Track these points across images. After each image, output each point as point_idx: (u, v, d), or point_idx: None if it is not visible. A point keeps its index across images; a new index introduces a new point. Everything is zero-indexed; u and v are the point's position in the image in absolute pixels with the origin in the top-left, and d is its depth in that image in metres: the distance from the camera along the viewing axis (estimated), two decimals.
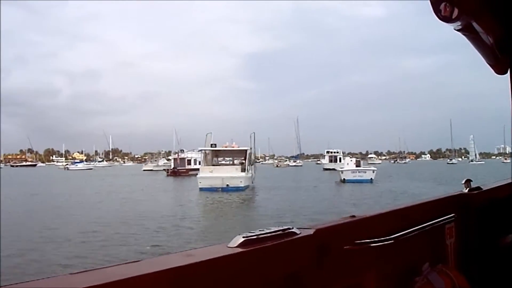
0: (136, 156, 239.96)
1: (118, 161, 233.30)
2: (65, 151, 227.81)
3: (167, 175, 75.14)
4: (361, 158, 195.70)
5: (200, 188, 41.21)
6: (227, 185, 40.55)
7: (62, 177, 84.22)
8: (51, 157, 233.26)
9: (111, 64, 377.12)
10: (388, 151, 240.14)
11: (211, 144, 46.43)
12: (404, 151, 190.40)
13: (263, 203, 34.12)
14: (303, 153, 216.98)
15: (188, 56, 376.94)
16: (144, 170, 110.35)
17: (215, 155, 47.88)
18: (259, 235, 1.90)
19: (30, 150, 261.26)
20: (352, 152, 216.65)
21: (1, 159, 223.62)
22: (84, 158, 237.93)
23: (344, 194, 37.19)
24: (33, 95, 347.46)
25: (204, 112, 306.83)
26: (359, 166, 51.94)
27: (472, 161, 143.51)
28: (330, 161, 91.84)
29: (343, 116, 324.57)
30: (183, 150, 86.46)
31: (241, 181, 41.30)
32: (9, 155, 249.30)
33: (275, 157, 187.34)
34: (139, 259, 1.63)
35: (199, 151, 47.81)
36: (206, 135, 47.41)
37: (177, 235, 19.77)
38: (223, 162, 50.19)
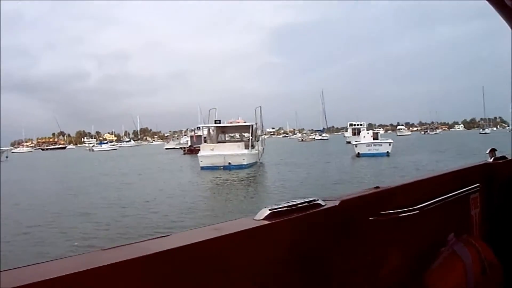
0: (166, 135, 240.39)
1: (148, 140, 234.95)
2: (96, 133, 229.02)
3: (184, 153, 73.54)
4: (391, 129, 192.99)
5: (201, 167, 39.07)
6: (229, 163, 38.19)
7: (78, 159, 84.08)
8: (82, 139, 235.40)
9: (139, 46, 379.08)
10: (420, 122, 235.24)
11: (215, 120, 44.02)
12: (435, 122, 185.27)
13: (265, 181, 31.74)
14: (332, 126, 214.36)
15: (215, 34, 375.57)
16: (166, 148, 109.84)
17: (221, 132, 45.46)
18: (284, 207, 1.90)
19: (62, 133, 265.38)
20: (382, 124, 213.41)
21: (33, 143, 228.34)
22: (115, 138, 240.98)
23: (353, 170, 34.10)
24: (64, 79, 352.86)
25: (232, 89, 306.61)
26: (377, 139, 48.75)
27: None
28: (353, 134, 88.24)
29: (374, 88, 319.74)
30: (199, 128, 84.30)
31: (243, 159, 38.79)
32: (42, 138, 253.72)
33: (305, 131, 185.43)
34: (168, 233, 1.65)
35: (197, 128, 45.26)
36: (209, 111, 45.12)
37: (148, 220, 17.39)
38: (233, 139, 47.59)
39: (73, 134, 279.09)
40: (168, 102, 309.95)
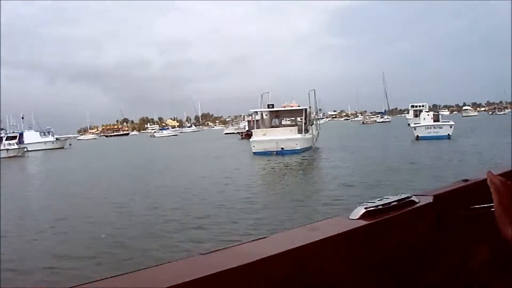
0: (227, 120, 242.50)
1: (209, 125, 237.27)
2: (158, 119, 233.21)
3: (241, 138, 73.15)
4: (456, 110, 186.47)
5: (254, 152, 38.39)
6: (282, 148, 37.32)
7: (136, 145, 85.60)
8: (146, 125, 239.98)
9: (200, 32, 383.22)
10: (488, 101, 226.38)
11: (268, 105, 43.14)
12: (504, 102, 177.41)
13: (319, 167, 30.71)
14: (396, 108, 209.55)
15: (275, 17, 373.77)
16: (225, 133, 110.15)
17: (275, 116, 44.48)
18: (378, 206, 1.85)
19: (126, 120, 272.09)
20: (448, 105, 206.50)
21: (96, 130, 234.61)
22: (177, 124, 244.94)
23: (409, 154, 32.08)
24: (128, 67, 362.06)
25: (292, 72, 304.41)
26: (438, 120, 46.45)
27: None
28: (415, 116, 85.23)
29: (439, 68, 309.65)
30: (257, 112, 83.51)
31: (296, 144, 37.78)
32: (107, 125, 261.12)
33: (367, 114, 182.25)
34: (265, 236, 1.63)
35: (255, 113, 44.39)
36: (262, 95, 44.33)
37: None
38: (287, 123, 46.39)
39: (136, 121, 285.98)
40: (229, 87, 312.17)
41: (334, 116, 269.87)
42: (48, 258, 11.42)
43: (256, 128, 42.80)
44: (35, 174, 41.50)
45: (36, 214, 18.51)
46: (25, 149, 72.46)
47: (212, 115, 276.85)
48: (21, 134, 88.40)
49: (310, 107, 42.34)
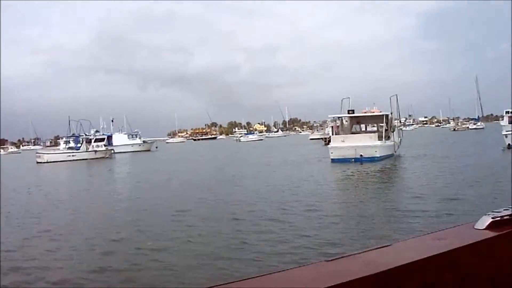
0: (314, 125, 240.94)
1: (297, 130, 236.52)
2: (246, 123, 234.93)
3: (324, 144, 71.68)
4: None
5: (331, 159, 37.19)
6: (361, 155, 35.81)
7: (219, 149, 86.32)
8: (234, 130, 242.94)
9: (288, 37, 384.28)
10: None
11: (348, 110, 41.65)
12: None
13: (400, 176, 28.79)
14: (491, 114, 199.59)
15: (363, 21, 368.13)
16: (310, 139, 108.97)
17: (356, 122, 42.86)
18: (505, 216, 1.73)
19: (214, 124, 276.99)
20: None
21: (179, 134, 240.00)
22: (265, 129, 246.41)
23: (494, 166, 28.92)
24: (217, 72, 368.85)
25: (381, 77, 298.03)
26: None
27: None
28: (510, 122, 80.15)
29: None
30: (338, 118, 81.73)
31: (376, 151, 36.15)
32: (196, 129, 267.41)
33: (459, 120, 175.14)
34: (388, 244, 1.60)
35: (338, 118, 42.88)
36: (342, 100, 42.72)
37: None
38: (368, 130, 44.53)
39: (225, 125, 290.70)
40: (317, 92, 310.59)
41: (424, 122, 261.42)
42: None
43: (336, 134, 41.52)
44: (120, 175, 42.30)
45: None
46: (112, 151, 74.90)
47: (300, 120, 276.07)
48: (110, 136, 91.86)
49: (391, 113, 40.56)
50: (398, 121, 43.99)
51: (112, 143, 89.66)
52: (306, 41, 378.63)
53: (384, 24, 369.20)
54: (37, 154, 70.34)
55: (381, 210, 16.40)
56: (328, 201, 19.13)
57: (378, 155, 35.96)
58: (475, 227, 1.70)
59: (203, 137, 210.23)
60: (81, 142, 74.69)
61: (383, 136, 37.91)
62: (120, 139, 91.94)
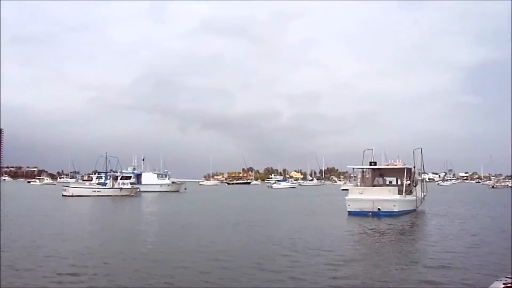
0: (351, 175, 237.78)
1: (333, 179, 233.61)
2: (283, 170, 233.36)
3: None
4: None
5: (348, 211, 35.66)
6: (378, 209, 34.28)
7: (249, 194, 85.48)
8: (270, 176, 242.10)
9: (329, 86, 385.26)
10: None
11: (370, 162, 40.25)
12: None
13: (419, 234, 26.78)
14: None
15: (405, 72, 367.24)
16: (342, 189, 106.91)
17: (379, 175, 41.38)
18: None
19: (251, 169, 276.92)
20: None
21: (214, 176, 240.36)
22: (301, 177, 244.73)
23: None
24: (257, 118, 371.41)
25: (424, 129, 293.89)
26: None
27: None
28: None
29: None
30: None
31: (394, 205, 34.52)
32: (232, 173, 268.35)
33: (501, 177, 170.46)
34: None
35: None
36: (364, 152, 41.38)
37: None
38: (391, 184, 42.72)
39: (261, 170, 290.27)
40: (356, 141, 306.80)
41: (465, 178, 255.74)
42: None
43: (354, 186, 40.20)
44: (135, 213, 41.61)
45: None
46: (138, 190, 74.83)
47: (337, 169, 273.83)
48: (139, 175, 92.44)
49: (414, 167, 38.91)
50: (422, 175, 41.90)
51: (141, 182, 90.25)
52: (347, 90, 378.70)
53: (427, 76, 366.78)
54: (63, 188, 70.67)
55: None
56: (314, 260, 17.04)
57: (396, 210, 34.31)
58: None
59: (237, 181, 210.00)
60: (108, 178, 75.01)
61: (404, 190, 36.28)
62: (149, 178, 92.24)
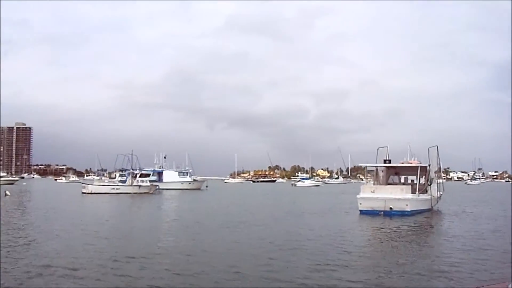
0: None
1: (359, 177, 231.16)
2: (309, 168, 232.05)
3: None
4: None
5: (360, 210, 34.82)
6: (390, 208, 33.33)
7: (272, 192, 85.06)
8: (296, 174, 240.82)
9: (355, 83, 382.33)
10: None
11: (385, 160, 39.24)
12: None
13: (433, 234, 25.82)
14: None
15: (432, 70, 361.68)
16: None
17: (394, 173, 40.25)
18: None
19: (277, 167, 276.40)
20: None
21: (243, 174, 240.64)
22: (327, 175, 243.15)
23: None
24: (283, 115, 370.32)
25: (452, 127, 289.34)
26: None
27: None
28: None
29: None
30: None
31: (407, 204, 33.50)
32: (259, 171, 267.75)
33: None
34: None
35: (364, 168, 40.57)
36: (378, 149, 40.37)
37: None
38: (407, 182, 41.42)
39: (288, 168, 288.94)
40: (383, 139, 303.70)
41: (494, 176, 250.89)
42: None
43: (366, 184, 39.26)
44: (151, 210, 41.34)
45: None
46: (157, 187, 74.80)
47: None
48: (160, 173, 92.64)
49: (429, 165, 37.74)
50: (438, 173, 40.57)
51: (162, 179, 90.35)
52: (373, 88, 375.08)
53: (454, 73, 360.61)
54: (83, 185, 71.15)
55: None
56: (311, 257, 16.80)
57: (409, 209, 33.30)
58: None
59: (262, 179, 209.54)
60: (127, 176, 75.20)
61: (417, 189, 35.25)
62: (170, 176, 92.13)
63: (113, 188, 68.93)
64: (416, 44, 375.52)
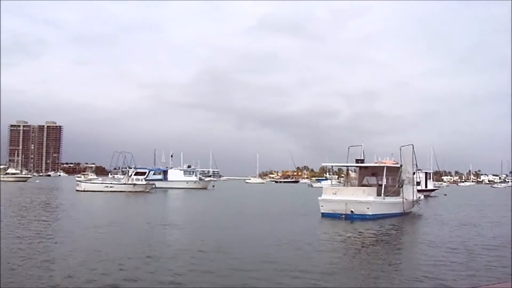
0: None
1: None
2: (338, 169, 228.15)
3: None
4: None
5: (322, 213, 32.38)
6: (351, 211, 30.90)
7: (283, 192, 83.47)
8: (324, 175, 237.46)
9: (388, 84, 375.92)
10: None
11: (357, 160, 36.64)
12: None
13: (400, 242, 23.14)
14: None
15: (466, 72, 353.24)
16: None
17: (371, 174, 37.35)
18: None
19: (306, 167, 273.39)
20: None
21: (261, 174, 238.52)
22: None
23: None
24: (314, 116, 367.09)
25: (489, 131, 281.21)
26: None
27: None
28: None
29: None
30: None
31: (368, 208, 30.95)
32: (287, 171, 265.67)
33: None
34: None
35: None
36: (349, 148, 37.88)
37: None
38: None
39: (317, 169, 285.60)
40: (414, 141, 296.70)
41: None
42: None
43: (346, 185, 36.92)
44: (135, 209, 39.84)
45: None
46: (153, 186, 73.47)
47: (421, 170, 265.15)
48: (165, 171, 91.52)
49: (401, 165, 34.94)
50: (413, 174, 37.30)
51: (167, 178, 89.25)
52: (405, 89, 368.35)
53: (488, 75, 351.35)
54: (77, 183, 70.36)
55: None
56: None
57: (370, 213, 30.73)
58: None
59: (286, 180, 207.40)
60: (125, 174, 73.94)
61: (382, 192, 32.59)
62: (175, 175, 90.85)
63: (107, 186, 67.98)
64: (450, 45, 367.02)
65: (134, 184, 69.01)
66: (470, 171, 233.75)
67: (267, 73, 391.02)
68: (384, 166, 34.45)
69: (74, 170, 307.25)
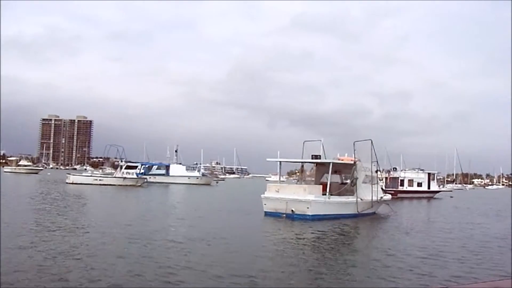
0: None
1: None
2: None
3: None
4: None
5: (265, 211, 30.25)
6: (292, 210, 28.61)
7: None
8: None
9: (421, 85, 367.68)
10: None
11: (313, 155, 33.97)
12: None
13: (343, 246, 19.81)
14: None
15: (503, 73, 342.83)
16: None
17: (334, 171, 34.16)
18: None
19: None
20: None
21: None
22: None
23: None
24: (347, 115, 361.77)
25: None
26: None
27: None
28: None
29: None
30: (395, 168, 72.68)
31: (307, 207, 28.55)
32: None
33: None
34: None
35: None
36: (304, 143, 35.38)
37: None
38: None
39: None
40: (447, 143, 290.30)
41: None
42: None
43: (299, 183, 34.69)
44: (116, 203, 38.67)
45: None
46: (145, 180, 72.30)
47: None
48: (167, 166, 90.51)
49: (355, 162, 32.33)
50: (373, 172, 34.42)
51: (169, 173, 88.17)
52: (440, 90, 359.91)
53: None
54: (67, 175, 69.73)
55: None
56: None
57: (309, 213, 28.25)
58: None
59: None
60: (121, 168, 72.58)
61: (328, 189, 30.07)
62: (177, 170, 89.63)
63: (96, 180, 66.95)
64: (486, 46, 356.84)
65: (124, 178, 67.78)
66: (502, 174, 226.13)
67: (301, 72, 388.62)
68: (328, 162, 31.81)
69: (102, 164, 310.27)
